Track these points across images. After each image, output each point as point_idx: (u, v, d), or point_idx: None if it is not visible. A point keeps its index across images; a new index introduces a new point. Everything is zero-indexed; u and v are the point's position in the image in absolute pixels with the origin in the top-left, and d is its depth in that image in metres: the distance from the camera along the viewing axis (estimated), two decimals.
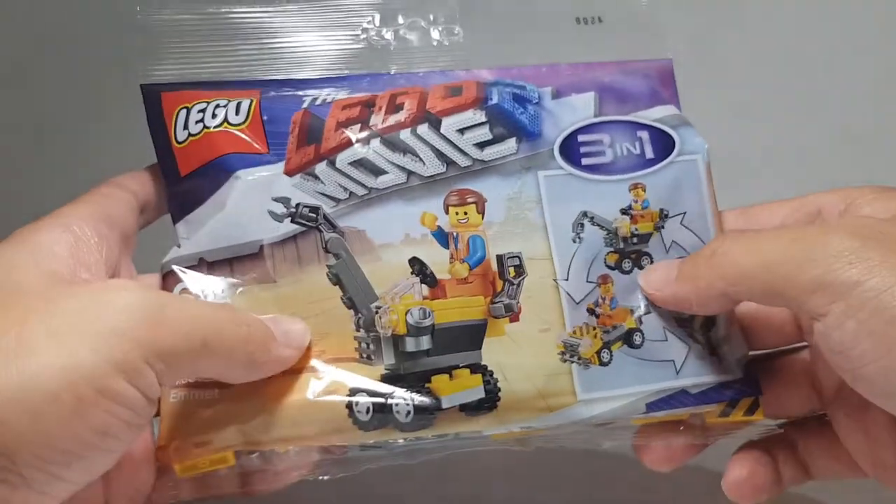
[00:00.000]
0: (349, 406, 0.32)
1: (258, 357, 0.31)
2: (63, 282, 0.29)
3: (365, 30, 0.38)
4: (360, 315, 0.34)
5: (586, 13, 0.39)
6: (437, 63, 0.38)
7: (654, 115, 0.37)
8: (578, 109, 0.37)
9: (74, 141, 0.52)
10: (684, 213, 0.36)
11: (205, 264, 0.34)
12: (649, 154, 0.36)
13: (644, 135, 0.37)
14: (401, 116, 0.35)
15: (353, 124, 0.35)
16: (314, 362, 0.33)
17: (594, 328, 0.34)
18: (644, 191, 0.36)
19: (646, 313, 0.35)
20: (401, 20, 0.38)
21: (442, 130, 0.35)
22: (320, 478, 0.34)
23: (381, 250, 0.34)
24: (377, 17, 0.38)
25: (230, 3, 0.37)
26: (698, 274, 0.32)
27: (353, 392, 0.33)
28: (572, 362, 0.34)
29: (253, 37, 0.37)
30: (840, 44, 0.54)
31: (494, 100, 0.36)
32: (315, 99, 0.35)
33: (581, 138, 0.36)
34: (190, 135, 0.34)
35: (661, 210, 0.36)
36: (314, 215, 0.34)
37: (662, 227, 0.36)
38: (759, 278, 0.30)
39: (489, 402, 0.33)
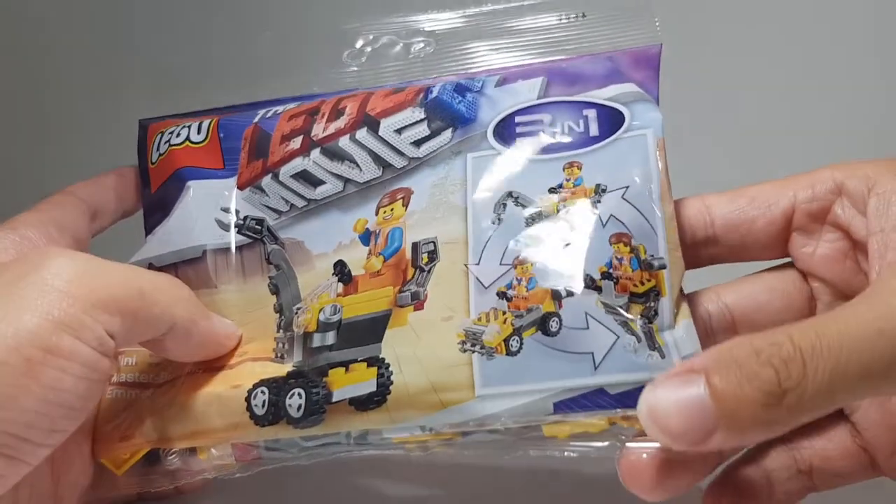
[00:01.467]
0: (248, 399, 0.32)
1: (197, 316, 0.31)
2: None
3: (343, 51, 0.39)
4: (283, 317, 0.34)
5: (569, 10, 0.37)
6: (406, 75, 0.38)
7: (606, 93, 0.33)
8: (521, 93, 0.34)
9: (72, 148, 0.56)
10: (627, 187, 0.31)
11: (153, 269, 0.36)
12: (593, 132, 0.32)
13: (591, 113, 0.33)
14: (341, 122, 0.36)
15: (297, 136, 0.36)
16: (232, 361, 0.33)
17: (504, 313, 0.30)
18: (580, 169, 0.32)
19: (567, 295, 0.30)
20: (384, 40, 0.39)
21: (380, 132, 0.35)
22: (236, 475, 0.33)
23: (316, 260, 0.34)
24: (357, 41, 0.39)
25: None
26: (765, 418, 0.23)
27: (255, 386, 0.32)
28: (473, 352, 0.30)
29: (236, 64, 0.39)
30: (837, 45, 0.50)
31: (434, 93, 0.35)
32: (267, 112, 0.37)
33: (519, 119, 0.33)
34: (159, 155, 0.38)
35: (598, 185, 0.31)
36: (259, 227, 0.36)
37: (598, 201, 0.31)
38: (860, 394, 0.25)
39: (379, 395, 0.30)
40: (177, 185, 0.37)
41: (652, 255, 0.30)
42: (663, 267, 0.30)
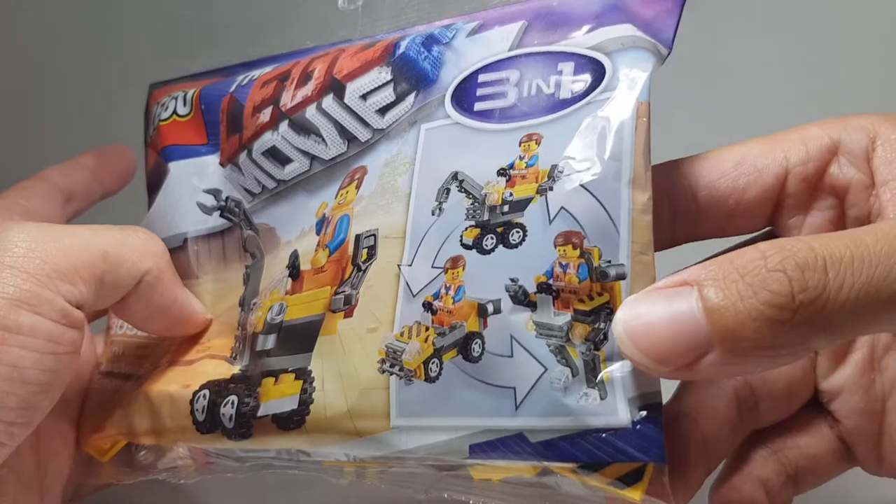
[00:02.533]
0: (192, 402, 0.30)
1: (165, 274, 0.29)
2: None
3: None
4: (242, 313, 0.31)
5: None
6: (399, 21, 0.33)
7: (592, 39, 0.26)
8: (492, 44, 0.28)
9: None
10: (587, 168, 0.24)
11: None
12: (564, 93, 0.25)
13: (567, 67, 0.26)
14: (308, 89, 0.31)
15: (266, 106, 0.32)
16: (193, 356, 0.31)
17: (427, 328, 0.25)
18: (538, 143, 0.25)
19: (494, 312, 0.24)
20: None
21: (345, 100, 0.30)
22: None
23: (282, 249, 0.31)
24: None
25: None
26: (772, 335, 0.20)
27: (200, 388, 0.30)
28: (391, 374, 0.25)
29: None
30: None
31: (402, 49, 0.29)
32: (244, 78, 0.34)
33: (482, 78, 0.27)
34: (153, 129, 0.36)
35: (553, 167, 0.24)
36: (237, 209, 0.33)
37: (549, 188, 0.24)
38: (871, 326, 0.20)
39: (298, 415, 0.27)
40: (163, 166, 0.35)
41: (609, 261, 0.23)
42: (622, 277, 0.23)
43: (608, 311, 0.23)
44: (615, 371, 0.22)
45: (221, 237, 0.33)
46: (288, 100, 0.31)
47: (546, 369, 0.22)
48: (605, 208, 0.23)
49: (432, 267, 0.25)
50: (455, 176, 0.26)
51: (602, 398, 0.22)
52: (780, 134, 0.26)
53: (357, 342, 0.26)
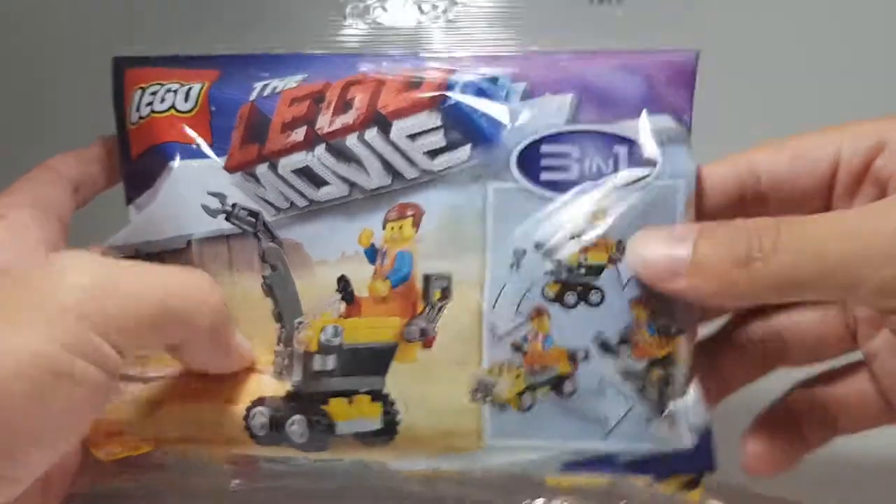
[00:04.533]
0: (246, 419, 0.31)
1: (221, 331, 0.30)
2: (6, 269, 0.29)
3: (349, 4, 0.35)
4: (283, 329, 0.32)
5: None
6: (417, 44, 0.35)
7: (639, 125, 0.32)
8: (549, 114, 0.32)
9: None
10: None
11: (141, 256, 0.34)
12: (622, 175, 0.31)
13: (622, 150, 0.31)
14: (349, 118, 0.33)
15: (299, 126, 0.33)
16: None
17: (518, 367, 0.30)
18: (604, 216, 0.31)
19: (584, 359, 0.30)
20: None
21: (391, 136, 0.32)
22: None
23: (316, 266, 0.32)
24: None
25: None
26: (731, 281, 0.27)
27: (255, 404, 0.31)
28: (484, 402, 0.30)
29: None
30: None
31: (454, 99, 0.32)
32: (265, 87, 0.34)
33: (545, 149, 0.32)
34: (140, 117, 0.34)
35: (619, 242, 0.30)
36: (253, 220, 0.33)
37: (619, 259, 0.30)
38: (820, 287, 0.26)
39: (386, 433, 0.30)
40: (159, 161, 0.34)
41: (670, 321, 0.30)
42: (681, 333, 0.30)
43: (672, 359, 0.30)
44: (679, 406, 0.30)
45: (227, 241, 0.34)
46: (325, 124, 0.33)
47: (632, 406, 0.29)
48: None
49: (516, 313, 0.31)
50: (530, 237, 0.31)
51: (670, 427, 0.29)
52: (835, 128, 0.30)
53: (443, 372, 0.30)
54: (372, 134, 0.32)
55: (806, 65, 0.45)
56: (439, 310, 0.31)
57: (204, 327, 0.29)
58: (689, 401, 0.30)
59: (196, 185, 0.33)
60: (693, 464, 0.29)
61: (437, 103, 0.32)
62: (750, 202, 0.31)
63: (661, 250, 0.28)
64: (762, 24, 0.45)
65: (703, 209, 0.31)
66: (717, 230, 0.28)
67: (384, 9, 0.36)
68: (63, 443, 0.27)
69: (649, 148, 0.31)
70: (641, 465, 0.29)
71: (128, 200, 0.35)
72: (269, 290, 0.33)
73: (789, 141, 0.31)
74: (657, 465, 0.29)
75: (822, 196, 0.31)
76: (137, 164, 0.34)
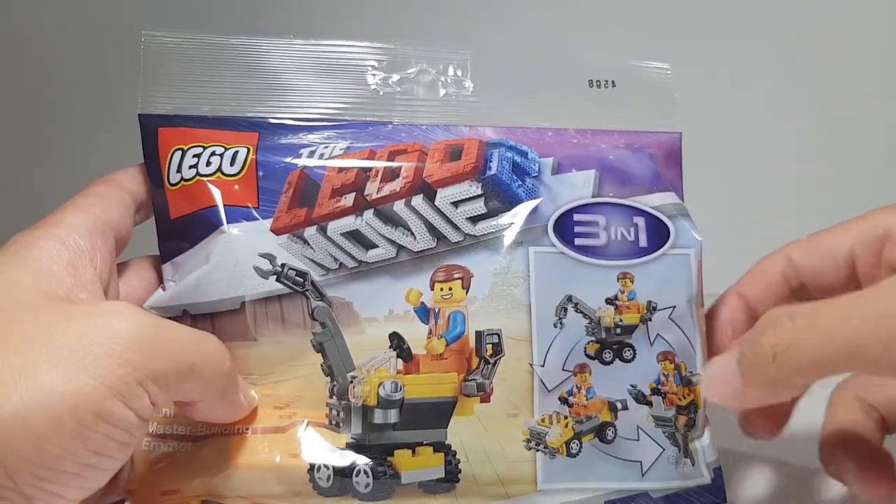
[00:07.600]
0: (311, 471, 0.33)
1: (231, 392, 0.32)
2: (60, 303, 0.30)
3: (373, 74, 0.37)
4: (335, 383, 0.34)
5: (600, 76, 0.39)
6: (443, 116, 0.38)
7: (653, 201, 0.36)
8: (577, 187, 0.36)
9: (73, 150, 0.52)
10: (673, 307, 0.35)
11: (188, 317, 0.35)
12: (643, 242, 0.36)
13: (640, 221, 0.36)
14: (396, 185, 0.35)
15: (348, 192, 0.35)
16: (283, 423, 0.34)
17: (566, 417, 0.34)
18: (632, 281, 0.35)
19: (622, 409, 0.34)
20: (410, 69, 0.38)
21: (436, 202, 0.35)
22: None
23: (365, 324, 0.35)
24: (386, 61, 0.37)
25: (237, 32, 0.37)
26: (769, 377, 0.28)
27: (317, 457, 0.33)
28: (538, 450, 0.34)
29: (257, 69, 0.37)
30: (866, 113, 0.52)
31: (493, 170, 0.35)
32: (312, 153, 0.35)
33: (577, 217, 0.36)
34: (183, 179, 0.35)
35: (650, 302, 0.35)
36: (301, 279, 0.35)
37: (649, 319, 0.35)
38: (843, 366, 0.28)
39: (448, 482, 0.33)
40: (208, 225, 0.35)
41: (691, 372, 0.35)
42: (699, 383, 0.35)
43: (695, 406, 0.35)
44: (698, 445, 0.35)
45: (279, 302, 0.35)
46: (373, 191, 0.35)
47: (664, 449, 0.34)
48: (686, 336, 0.35)
49: (563, 369, 0.34)
50: (570, 298, 0.35)
51: (693, 464, 0.35)
52: (848, 223, 0.34)
53: (499, 424, 0.34)
54: (418, 200, 0.35)
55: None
56: (494, 364, 0.34)
57: (217, 388, 0.31)
58: (704, 440, 0.35)
59: (247, 248, 0.35)
60: (712, 495, 0.34)
61: (478, 173, 0.35)
62: (794, 292, 0.35)
63: (719, 380, 0.29)
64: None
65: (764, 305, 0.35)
66: (742, 344, 0.29)
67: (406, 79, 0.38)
68: (92, 482, 0.28)
69: (663, 220, 0.36)
70: (673, 499, 0.34)
71: (163, 259, 0.36)
72: (319, 346, 0.35)
73: (811, 237, 0.35)
74: (685, 499, 0.34)
75: (849, 282, 0.35)
76: (179, 224, 0.35)
